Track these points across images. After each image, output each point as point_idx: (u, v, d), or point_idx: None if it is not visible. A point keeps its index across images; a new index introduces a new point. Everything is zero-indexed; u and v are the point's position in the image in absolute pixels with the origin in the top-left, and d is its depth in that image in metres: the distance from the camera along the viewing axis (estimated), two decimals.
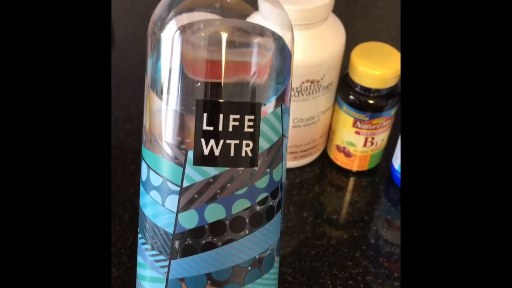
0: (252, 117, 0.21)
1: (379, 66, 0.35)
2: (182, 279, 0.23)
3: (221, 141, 0.21)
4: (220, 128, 0.21)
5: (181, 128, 0.22)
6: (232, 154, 0.21)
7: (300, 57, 0.34)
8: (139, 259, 0.25)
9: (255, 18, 0.23)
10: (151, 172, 0.23)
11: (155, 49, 0.23)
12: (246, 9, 0.23)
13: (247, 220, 0.22)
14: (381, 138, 0.39)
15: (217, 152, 0.21)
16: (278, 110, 0.23)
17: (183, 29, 0.22)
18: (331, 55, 0.35)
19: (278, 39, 0.23)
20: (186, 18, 0.22)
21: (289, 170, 0.41)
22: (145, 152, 0.24)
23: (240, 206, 0.22)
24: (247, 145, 0.22)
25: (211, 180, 0.22)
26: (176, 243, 0.22)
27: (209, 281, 0.22)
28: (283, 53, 0.23)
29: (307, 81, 0.35)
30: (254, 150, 0.22)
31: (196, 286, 0.22)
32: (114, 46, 0.53)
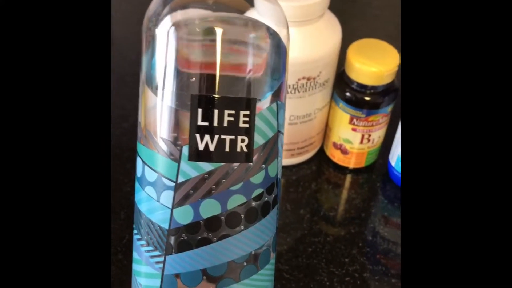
0: (247, 112, 0.21)
1: (375, 63, 0.35)
2: (177, 275, 0.23)
3: (216, 137, 0.21)
4: (215, 124, 0.21)
5: (176, 124, 0.22)
6: (227, 149, 0.21)
7: (296, 54, 0.34)
8: (135, 255, 0.25)
9: (250, 15, 0.23)
10: (146, 168, 0.23)
11: (150, 45, 0.23)
12: (242, 5, 0.23)
13: (242, 215, 0.22)
14: (377, 135, 0.39)
15: (212, 147, 0.21)
16: (274, 105, 0.23)
17: (177, 25, 0.21)
18: (327, 52, 0.35)
19: (273, 34, 0.23)
20: (180, 14, 0.22)
21: (285, 167, 0.41)
22: (140, 148, 0.24)
23: (235, 201, 0.22)
24: (242, 141, 0.22)
25: (206, 175, 0.22)
26: (171, 239, 0.22)
27: (204, 277, 0.22)
28: (279, 49, 0.23)
29: (304, 78, 0.35)
30: (249, 145, 0.22)
31: (192, 282, 0.22)
32: (111, 45, 0.52)
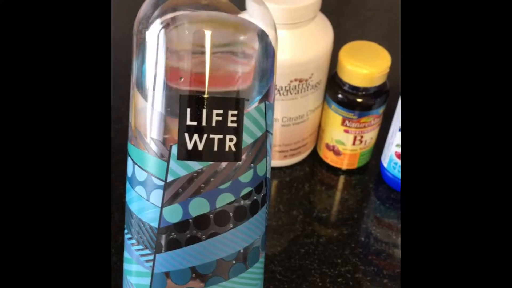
0: (236, 112, 0.22)
1: (366, 65, 0.35)
2: (167, 273, 0.23)
3: (205, 136, 0.22)
4: (204, 123, 0.21)
5: (166, 124, 0.22)
6: (215, 148, 0.22)
7: (288, 56, 0.34)
8: (126, 254, 0.25)
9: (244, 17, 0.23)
10: (136, 168, 0.23)
11: (140, 48, 0.23)
12: (232, 9, 0.23)
13: (231, 214, 0.23)
14: (369, 136, 0.39)
15: (200, 146, 0.22)
16: (262, 105, 0.23)
17: (167, 27, 0.22)
18: (318, 54, 0.35)
19: (262, 35, 0.23)
20: (170, 16, 0.22)
21: (279, 169, 0.41)
22: (130, 148, 0.24)
23: (224, 200, 0.22)
24: (231, 140, 0.22)
25: (195, 174, 0.22)
26: (161, 237, 0.23)
27: (193, 275, 0.23)
28: (267, 50, 0.23)
29: (296, 80, 0.35)
30: (238, 144, 0.22)
31: (181, 280, 0.23)
32: None
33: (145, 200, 0.23)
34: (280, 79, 0.35)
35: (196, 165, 0.22)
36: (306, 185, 0.41)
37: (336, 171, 0.41)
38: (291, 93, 0.36)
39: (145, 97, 0.22)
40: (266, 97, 0.23)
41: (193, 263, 0.22)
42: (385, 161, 0.39)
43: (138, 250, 0.23)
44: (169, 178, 0.22)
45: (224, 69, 0.22)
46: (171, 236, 0.22)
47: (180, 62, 0.22)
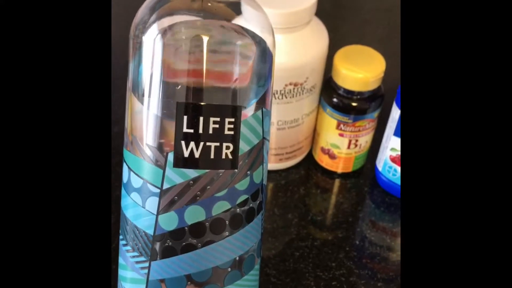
0: (233, 119, 0.22)
1: (361, 69, 0.36)
2: (162, 280, 0.23)
3: (202, 144, 0.21)
4: (200, 131, 0.21)
5: (162, 130, 0.22)
6: (212, 156, 0.22)
7: (283, 60, 0.34)
8: (120, 260, 0.25)
9: (237, 23, 0.23)
10: (132, 174, 0.23)
11: (136, 52, 0.23)
12: (228, 13, 0.23)
13: (227, 222, 0.22)
14: (364, 140, 0.39)
15: (197, 154, 0.22)
16: (259, 113, 0.23)
17: (164, 32, 0.22)
18: (314, 58, 0.35)
19: (259, 41, 0.23)
20: (167, 21, 0.22)
21: (274, 172, 0.41)
22: (126, 154, 0.24)
23: (220, 208, 0.22)
24: (228, 148, 0.22)
25: (191, 182, 0.22)
26: (156, 245, 0.22)
27: (189, 282, 0.23)
28: (265, 56, 0.23)
29: (291, 83, 0.35)
30: (235, 152, 0.22)
31: (176, 287, 0.23)
32: None
33: (141, 207, 0.23)
34: (275, 82, 0.35)
35: (192, 173, 0.22)
36: (301, 188, 0.41)
37: (331, 174, 0.41)
38: (286, 97, 0.36)
39: (141, 101, 0.22)
40: (263, 104, 0.23)
41: (188, 271, 0.22)
42: (379, 165, 0.40)
43: (133, 256, 0.23)
44: (165, 186, 0.22)
45: (221, 74, 0.22)
46: (167, 244, 0.22)
47: (176, 68, 0.22)
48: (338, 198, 0.40)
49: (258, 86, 0.23)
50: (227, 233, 0.23)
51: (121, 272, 0.25)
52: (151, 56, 0.22)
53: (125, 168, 0.24)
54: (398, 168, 0.38)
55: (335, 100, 0.37)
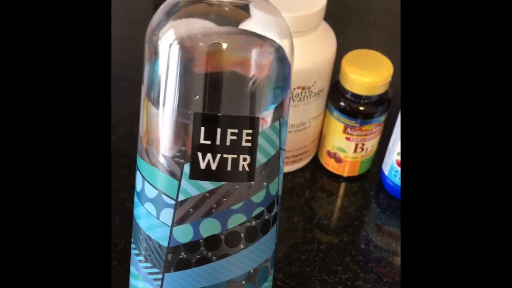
0: (250, 131, 0.21)
1: (369, 74, 0.35)
2: None
3: (218, 155, 0.21)
4: (218, 142, 0.21)
5: (178, 140, 0.22)
6: (229, 168, 0.21)
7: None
8: (132, 269, 0.24)
9: (250, 25, 0.23)
10: (146, 184, 0.23)
11: (152, 58, 0.22)
12: (241, 15, 0.23)
13: (242, 235, 0.22)
14: (371, 144, 0.39)
15: (214, 166, 0.21)
16: (277, 123, 0.23)
17: (180, 39, 0.21)
18: (322, 62, 0.35)
19: (277, 48, 0.23)
20: (183, 26, 0.22)
21: None
22: (140, 163, 0.23)
23: (235, 221, 0.22)
24: (245, 160, 0.22)
25: (207, 194, 0.21)
26: (170, 257, 0.22)
27: None
28: (282, 62, 0.23)
29: (298, 87, 0.35)
30: (252, 164, 0.22)
31: None
32: None
33: (155, 218, 0.22)
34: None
35: (208, 185, 0.21)
36: (307, 191, 0.40)
37: (337, 178, 0.41)
38: (293, 100, 0.36)
39: (156, 107, 0.22)
40: (281, 113, 0.23)
41: (202, 284, 0.22)
42: (386, 169, 0.40)
43: (146, 267, 0.23)
44: (180, 197, 0.22)
45: (238, 82, 0.22)
46: (181, 256, 0.22)
47: (193, 76, 0.21)
48: (344, 202, 0.40)
49: (276, 91, 0.23)
50: (242, 246, 0.22)
51: (132, 282, 0.24)
52: (166, 63, 0.21)
53: (138, 177, 0.23)
54: None
55: (342, 104, 0.37)
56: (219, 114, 0.21)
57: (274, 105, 0.23)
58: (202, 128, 0.21)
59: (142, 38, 0.24)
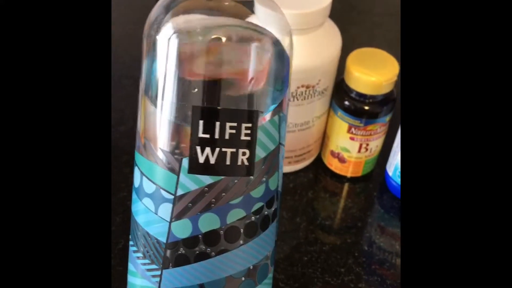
0: (250, 125, 0.21)
1: (374, 73, 0.35)
2: None
3: (217, 149, 0.21)
4: (217, 136, 0.21)
5: (176, 135, 0.21)
6: (228, 162, 0.21)
7: (296, 62, 0.33)
8: (130, 266, 0.24)
9: (251, 21, 0.22)
10: (144, 179, 0.22)
11: (150, 52, 0.22)
12: (243, 12, 0.22)
13: (241, 230, 0.22)
14: (375, 144, 0.38)
15: (212, 160, 0.21)
16: (276, 118, 0.22)
17: (179, 32, 0.21)
18: (326, 60, 0.35)
19: (276, 43, 0.22)
20: (182, 20, 0.22)
21: (283, 175, 0.41)
22: (138, 158, 0.23)
23: (235, 216, 0.22)
24: (244, 154, 0.21)
25: (206, 189, 0.21)
26: (169, 253, 0.22)
27: None
28: (282, 57, 0.23)
29: (302, 86, 0.35)
30: (251, 158, 0.21)
31: None
32: None
33: (153, 213, 0.22)
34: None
35: (207, 179, 0.21)
36: (310, 192, 0.40)
37: (340, 178, 0.41)
38: (297, 99, 0.35)
39: (154, 103, 0.22)
40: (280, 108, 0.23)
41: (201, 280, 0.22)
42: (390, 169, 0.39)
43: (144, 264, 0.23)
44: (179, 192, 0.21)
45: (237, 76, 0.21)
46: (180, 252, 0.22)
47: (192, 70, 0.21)
48: (347, 203, 0.40)
49: (275, 89, 0.22)
50: (241, 242, 0.22)
51: (130, 279, 0.24)
52: (165, 57, 0.21)
53: (136, 172, 0.23)
54: None
55: (346, 103, 0.37)
56: (218, 108, 0.21)
57: (275, 106, 0.22)
58: (201, 122, 0.21)
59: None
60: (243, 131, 0.21)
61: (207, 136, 0.21)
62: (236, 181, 0.21)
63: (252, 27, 0.22)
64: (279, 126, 0.23)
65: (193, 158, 0.21)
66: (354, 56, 0.36)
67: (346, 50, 0.37)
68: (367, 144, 0.38)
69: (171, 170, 0.21)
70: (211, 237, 0.22)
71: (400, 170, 0.38)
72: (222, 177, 0.21)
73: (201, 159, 0.21)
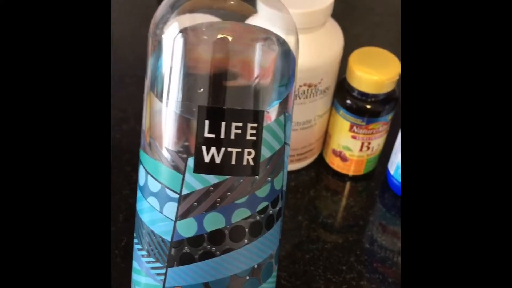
0: (255, 125, 0.21)
1: (376, 71, 0.35)
2: None
3: (223, 149, 0.21)
4: (222, 136, 0.21)
5: (182, 134, 0.22)
6: (233, 162, 0.21)
7: (298, 61, 0.33)
8: (135, 264, 0.24)
9: (256, 20, 0.22)
10: (150, 178, 0.23)
11: (156, 51, 0.22)
12: (247, 10, 0.22)
13: (246, 229, 0.22)
14: (377, 143, 0.38)
15: (218, 160, 0.21)
16: (281, 118, 0.22)
17: (185, 32, 0.21)
18: (329, 59, 0.35)
19: (282, 43, 0.22)
20: (188, 19, 0.22)
21: None
22: (143, 156, 0.23)
23: (240, 215, 0.22)
24: (249, 154, 0.21)
25: (211, 188, 0.21)
26: (174, 251, 0.22)
27: None
28: (287, 57, 0.23)
29: (305, 84, 0.35)
30: (256, 158, 0.22)
31: None
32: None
33: (158, 212, 0.22)
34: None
35: (212, 179, 0.21)
36: (312, 190, 0.40)
37: (342, 177, 0.41)
38: (299, 98, 0.36)
39: (160, 99, 0.22)
40: (285, 107, 0.23)
41: (206, 279, 0.22)
42: (391, 168, 0.39)
43: (149, 262, 0.23)
44: (184, 191, 0.21)
45: (243, 75, 0.21)
46: (184, 251, 0.22)
47: (197, 69, 0.21)
48: (349, 201, 0.40)
49: (280, 86, 0.23)
50: (246, 241, 0.22)
51: (135, 277, 0.24)
52: (170, 56, 0.21)
53: (141, 171, 0.23)
54: None
55: (348, 102, 0.37)
56: (223, 107, 0.21)
57: (279, 101, 0.22)
58: (207, 122, 0.21)
59: (147, 35, 0.24)
60: (249, 131, 0.21)
61: (213, 136, 0.21)
62: (241, 180, 0.21)
63: (258, 27, 0.22)
64: (284, 126, 0.23)
65: (198, 158, 0.21)
66: (356, 55, 0.36)
67: (348, 49, 0.37)
68: (369, 143, 0.38)
69: (177, 169, 0.21)
70: (216, 236, 0.22)
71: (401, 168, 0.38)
72: (228, 176, 0.21)
73: (207, 159, 0.21)
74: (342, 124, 0.38)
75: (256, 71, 0.22)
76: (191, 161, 0.21)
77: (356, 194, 0.40)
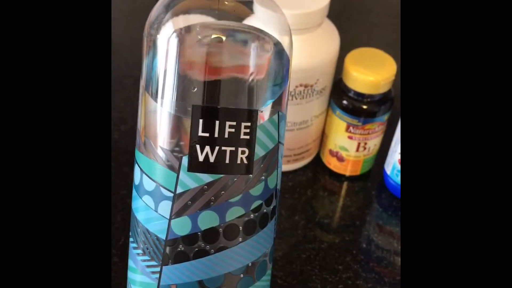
0: (249, 124, 0.21)
1: (372, 72, 0.35)
2: (173, 286, 0.22)
3: (217, 148, 0.21)
4: (216, 135, 0.21)
5: (176, 133, 0.22)
6: (227, 161, 0.21)
7: (294, 61, 0.33)
8: (130, 263, 0.24)
9: (251, 21, 0.23)
10: (144, 177, 0.23)
11: (151, 51, 0.22)
12: (243, 11, 0.23)
13: (240, 227, 0.22)
14: (373, 143, 0.39)
15: (212, 158, 0.21)
16: (275, 117, 0.23)
17: (179, 32, 0.21)
18: (325, 60, 0.35)
19: (276, 44, 0.23)
20: (182, 20, 0.22)
21: (281, 174, 0.41)
22: (138, 155, 0.23)
23: (234, 213, 0.22)
24: (243, 152, 0.21)
25: (205, 187, 0.21)
26: (168, 249, 0.22)
27: None
28: (281, 57, 0.23)
29: (301, 85, 0.35)
30: (250, 157, 0.22)
31: None
32: None
33: (153, 211, 0.22)
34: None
35: (206, 178, 0.21)
36: (309, 190, 0.40)
37: (339, 177, 0.41)
38: (296, 98, 0.36)
39: (155, 99, 0.22)
40: (279, 106, 0.23)
41: (200, 277, 0.22)
42: (388, 168, 0.39)
43: (144, 260, 0.23)
44: (179, 190, 0.22)
45: (237, 75, 0.22)
46: (179, 249, 0.22)
47: (192, 69, 0.21)
48: (346, 201, 0.40)
49: (274, 86, 0.23)
50: (240, 239, 0.22)
51: (130, 275, 0.24)
52: (165, 56, 0.21)
53: (137, 170, 0.23)
54: None
55: (345, 102, 0.37)
56: (217, 107, 0.21)
57: (272, 100, 0.23)
58: (201, 121, 0.21)
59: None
60: (243, 130, 0.21)
61: (207, 134, 0.21)
62: (235, 179, 0.22)
63: (252, 27, 0.22)
64: (278, 125, 0.23)
65: (192, 157, 0.21)
66: (352, 56, 0.37)
67: (344, 50, 0.37)
68: (365, 143, 0.38)
69: (171, 168, 0.22)
70: (210, 235, 0.22)
71: (398, 169, 0.38)
72: (222, 175, 0.21)
73: (201, 158, 0.21)
74: (339, 124, 0.38)
75: (250, 71, 0.22)
76: (185, 160, 0.21)
77: (352, 194, 0.41)
